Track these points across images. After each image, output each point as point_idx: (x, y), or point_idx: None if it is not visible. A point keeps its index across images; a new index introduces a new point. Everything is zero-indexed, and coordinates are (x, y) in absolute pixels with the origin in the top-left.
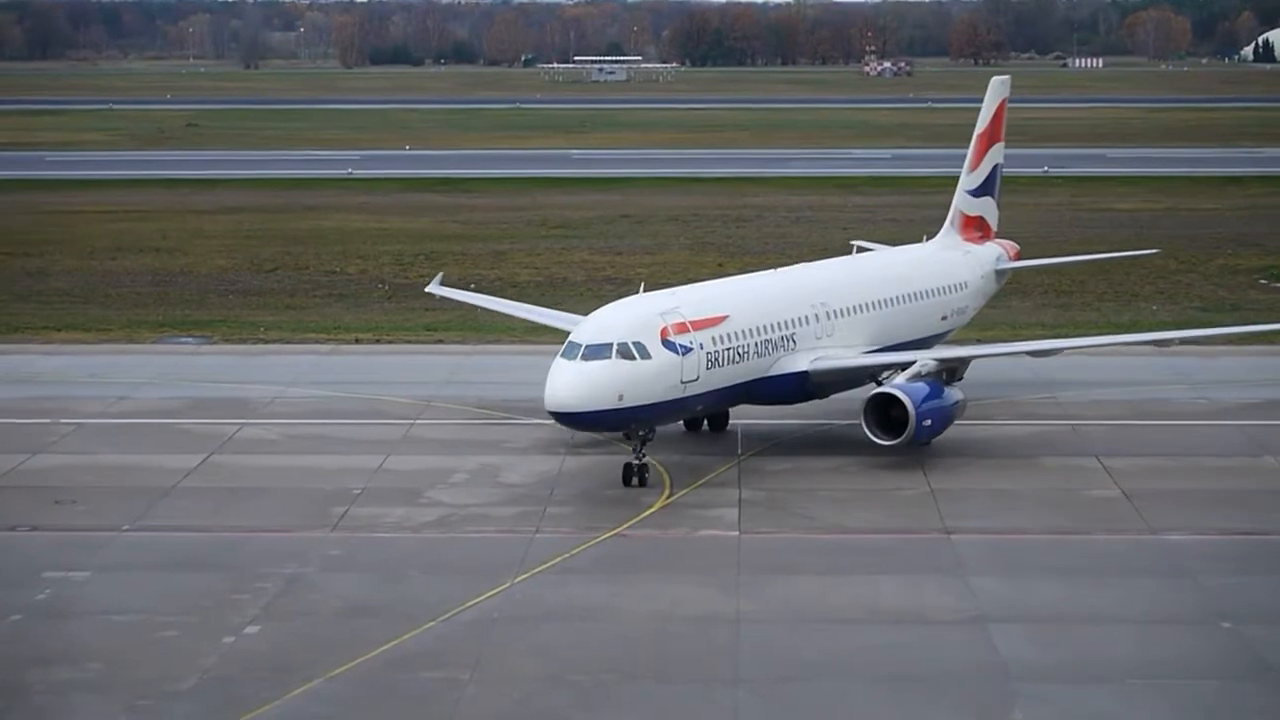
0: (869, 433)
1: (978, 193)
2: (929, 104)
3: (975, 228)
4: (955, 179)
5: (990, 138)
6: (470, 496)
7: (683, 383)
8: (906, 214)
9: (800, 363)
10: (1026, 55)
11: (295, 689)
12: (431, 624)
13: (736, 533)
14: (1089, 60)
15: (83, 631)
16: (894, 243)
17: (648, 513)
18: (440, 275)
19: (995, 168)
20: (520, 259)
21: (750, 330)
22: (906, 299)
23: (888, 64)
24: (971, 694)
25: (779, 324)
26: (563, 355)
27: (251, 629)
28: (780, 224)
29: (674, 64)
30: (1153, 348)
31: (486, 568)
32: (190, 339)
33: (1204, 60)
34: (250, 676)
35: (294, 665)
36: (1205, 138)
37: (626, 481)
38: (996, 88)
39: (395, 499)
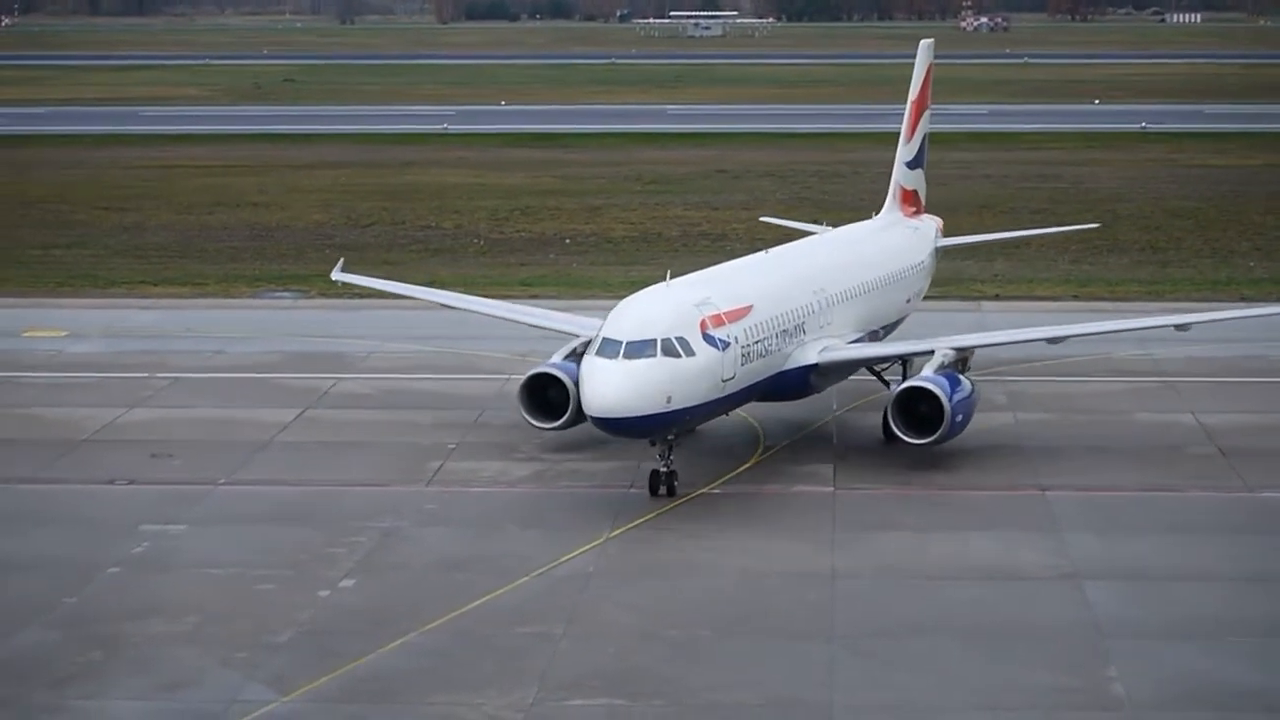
0: (899, 431)
1: (913, 164)
2: (1025, 60)
3: (911, 202)
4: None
5: (921, 106)
6: (565, 452)
7: (723, 381)
8: (1002, 169)
9: (809, 355)
10: (1124, 10)
11: (390, 643)
12: (526, 579)
13: (831, 489)
14: (1187, 15)
15: (179, 584)
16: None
17: (742, 469)
18: (342, 261)
19: (925, 137)
20: (615, 214)
21: (772, 321)
22: (883, 281)
23: (984, 19)
24: (1066, 650)
25: (792, 313)
26: (599, 354)
27: (347, 583)
28: (876, 180)
29: (770, 19)
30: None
31: (581, 523)
32: (287, 293)
33: None
34: (345, 630)
35: (389, 619)
36: None
37: (654, 491)
38: (924, 52)
39: (490, 453)
